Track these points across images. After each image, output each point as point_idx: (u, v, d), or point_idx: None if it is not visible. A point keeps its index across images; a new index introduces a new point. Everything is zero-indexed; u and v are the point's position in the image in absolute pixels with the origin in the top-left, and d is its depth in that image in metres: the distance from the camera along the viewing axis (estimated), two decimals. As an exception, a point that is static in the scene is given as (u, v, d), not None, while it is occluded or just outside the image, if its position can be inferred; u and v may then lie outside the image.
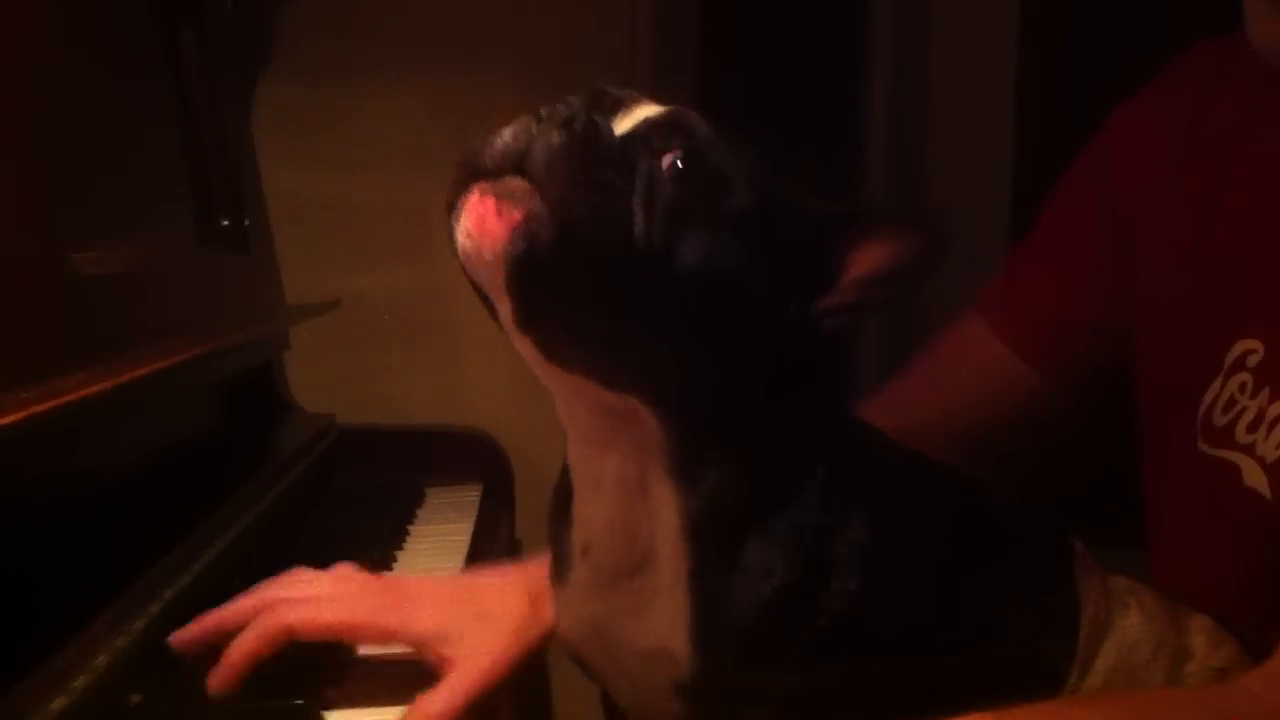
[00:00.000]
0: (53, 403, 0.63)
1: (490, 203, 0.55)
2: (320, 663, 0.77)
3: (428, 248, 1.52)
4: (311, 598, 0.75)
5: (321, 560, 0.92)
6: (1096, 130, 0.94)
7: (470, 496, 1.26)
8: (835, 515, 0.63)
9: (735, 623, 0.62)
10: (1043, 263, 0.96)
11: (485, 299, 0.59)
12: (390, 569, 1.00)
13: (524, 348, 0.59)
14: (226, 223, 1.22)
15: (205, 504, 0.95)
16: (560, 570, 0.70)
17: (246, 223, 1.24)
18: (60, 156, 0.84)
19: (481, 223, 0.55)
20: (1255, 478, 0.74)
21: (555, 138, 0.55)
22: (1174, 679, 0.71)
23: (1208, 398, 0.79)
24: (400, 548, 1.07)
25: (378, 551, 1.03)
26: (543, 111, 0.56)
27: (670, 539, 0.63)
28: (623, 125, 0.59)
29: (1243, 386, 0.76)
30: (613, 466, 0.63)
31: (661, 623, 0.64)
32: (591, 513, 0.66)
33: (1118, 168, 0.90)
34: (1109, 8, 1.62)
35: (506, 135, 0.56)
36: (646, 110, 0.60)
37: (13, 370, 0.68)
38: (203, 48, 1.21)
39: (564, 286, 0.55)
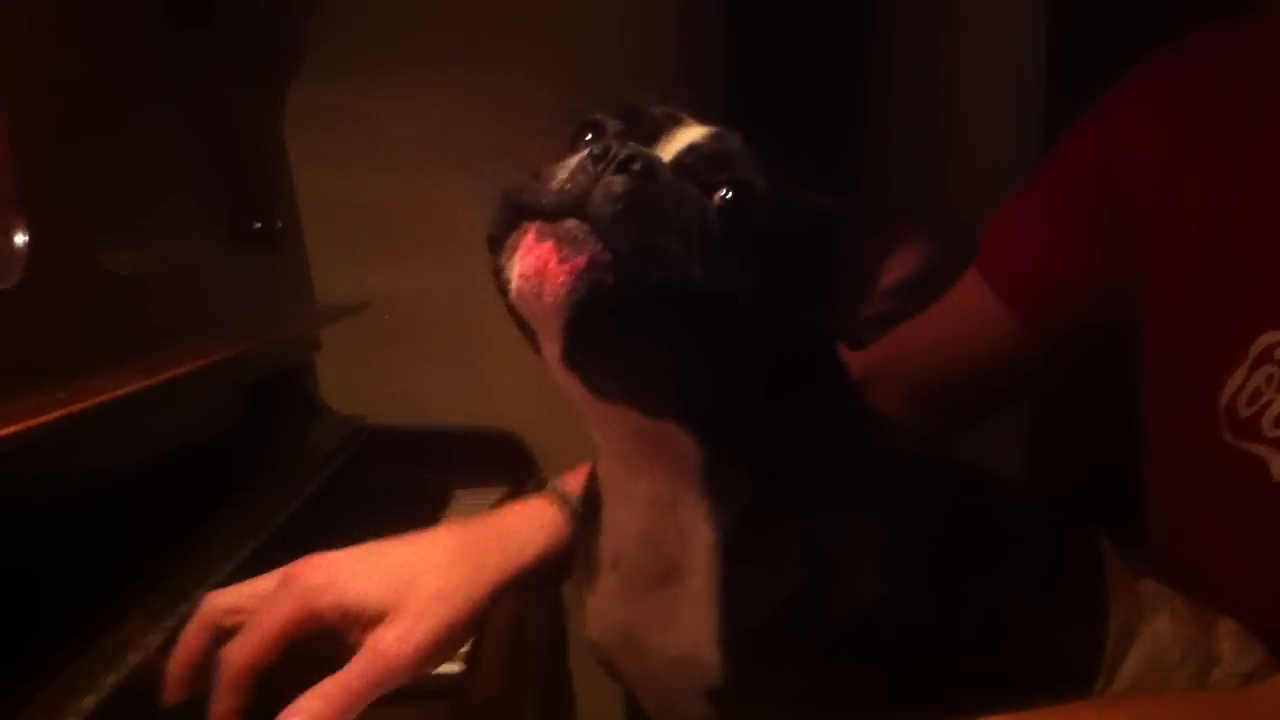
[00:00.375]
0: (89, 401, 0.64)
1: (550, 246, 0.54)
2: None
3: (456, 248, 1.51)
4: (248, 614, 0.69)
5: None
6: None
7: (496, 498, 1.26)
8: (856, 514, 0.64)
9: (762, 625, 0.63)
10: (1039, 216, 0.95)
11: (525, 328, 0.59)
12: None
13: (568, 382, 0.59)
14: (258, 224, 1.22)
15: (237, 504, 0.96)
16: (588, 576, 0.70)
17: (278, 224, 1.25)
18: (93, 158, 0.85)
19: (542, 266, 0.54)
20: None
21: (618, 184, 0.54)
22: (1201, 685, 0.71)
23: (1230, 387, 0.78)
24: (427, 548, 1.07)
25: (405, 552, 1.03)
26: (595, 149, 0.55)
27: (700, 551, 0.63)
28: (668, 150, 0.59)
29: (1269, 379, 0.75)
30: (644, 485, 0.64)
31: (690, 630, 0.64)
32: (623, 527, 0.66)
33: (1121, 145, 0.89)
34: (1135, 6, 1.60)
35: (562, 176, 0.55)
36: (688, 133, 0.60)
37: (48, 369, 0.69)
38: (233, 49, 1.22)
39: (620, 329, 0.55)
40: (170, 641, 0.73)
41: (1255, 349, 0.77)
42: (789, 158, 0.62)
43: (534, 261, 0.54)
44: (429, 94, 1.49)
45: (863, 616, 0.63)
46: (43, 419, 0.59)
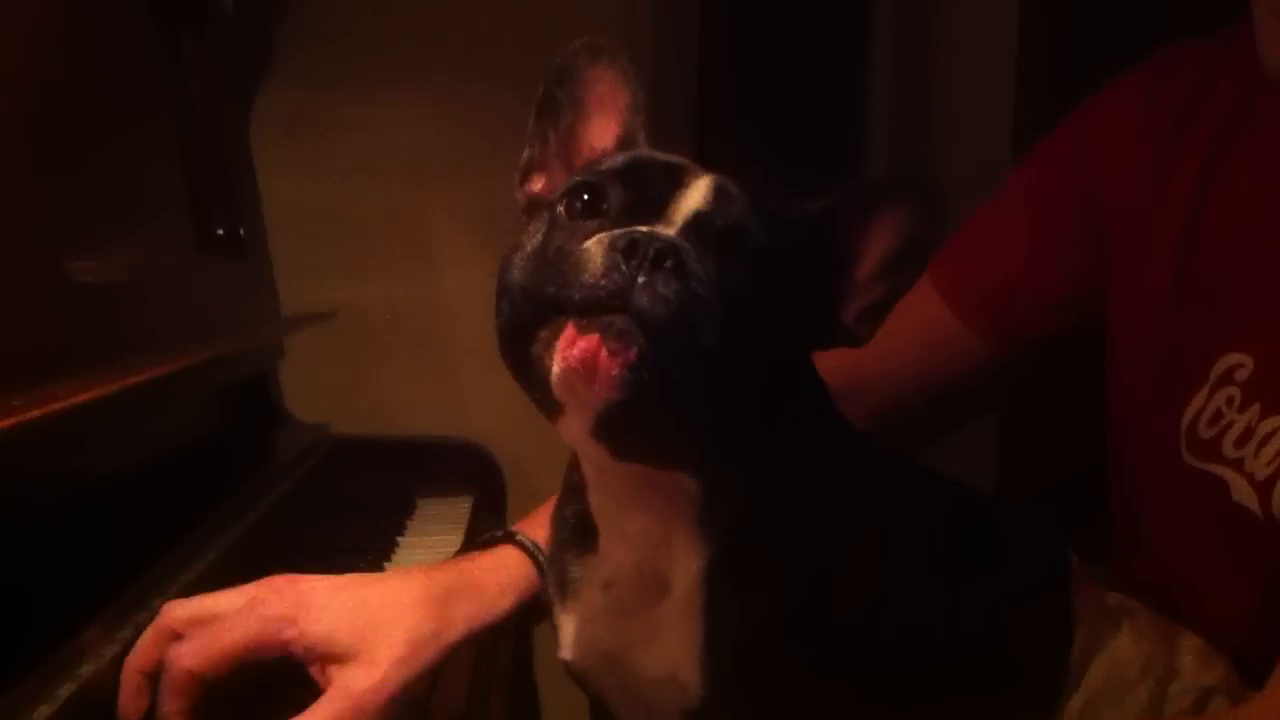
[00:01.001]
0: (48, 409, 0.63)
1: (596, 339, 0.54)
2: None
3: (424, 258, 1.52)
4: (203, 622, 0.69)
5: (311, 570, 0.92)
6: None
7: (461, 508, 1.26)
8: (839, 532, 0.64)
9: (742, 644, 0.63)
10: (999, 232, 0.95)
11: (545, 401, 0.59)
12: (380, 580, 1.00)
13: (587, 449, 0.61)
14: (223, 231, 1.22)
15: (198, 512, 0.95)
16: (565, 598, 0.70)
17: (243, 231, 1.25)
18: (58, 163, 0.84)
19: (590, 359, 0.54)
20: (1244, 493, 0.74)
21: (662, 286, 0.55)
22: (1158, 698, 0.72)
23: (1192, 408, 0.79)
24: (389, 558, 1.06)
25: (367, 562, 1.03)
26: (621, 243, 0.55)
27: (687, 574, 0.64)
28: (676, 219, 0.59)
29: (1230, 400, 0.76)
30: (639, 521, 0.65)
31: (672, 651, 0.65)
32: (617, 556, 0.67)
33: (1095, 161, 0.89)
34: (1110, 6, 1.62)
35: (596, 272, 0.55)
36: (693, 196, 0.60)
37: (9, 376, 0.68)
38: (202, 55, 1.21)
39: (654, 408, 0.56)
40: (128, 651, 0.72)
41: (1217, 370, 0.77)
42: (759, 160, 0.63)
43: (580, 354, 0.55)
44: (399, 103, 1.49)
45: (857, 631, 0.63)
46: (2, 425, 0.58)
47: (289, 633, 0.68)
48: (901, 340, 0.95)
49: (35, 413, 0.62)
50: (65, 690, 0.65)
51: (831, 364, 0.67)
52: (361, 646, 0.69)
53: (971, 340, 0.94)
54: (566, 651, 0.70)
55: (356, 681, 0.67)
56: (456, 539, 1.13)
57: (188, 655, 0.67)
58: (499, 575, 0.77)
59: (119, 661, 0.71)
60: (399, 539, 1.12)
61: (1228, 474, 0.75)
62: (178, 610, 0.70)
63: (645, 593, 0.66)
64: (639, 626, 0.66)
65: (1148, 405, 0.84)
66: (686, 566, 0.64)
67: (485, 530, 1.21)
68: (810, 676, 0.64)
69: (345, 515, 1.21)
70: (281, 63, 1.47)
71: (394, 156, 1.50)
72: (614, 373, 0.54)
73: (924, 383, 0.95)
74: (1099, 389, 0.91)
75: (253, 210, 1.32)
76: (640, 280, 0.54)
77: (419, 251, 1.53)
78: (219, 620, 0.69)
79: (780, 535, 0.64)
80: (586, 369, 0.54)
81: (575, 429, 0.58)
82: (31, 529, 0.74)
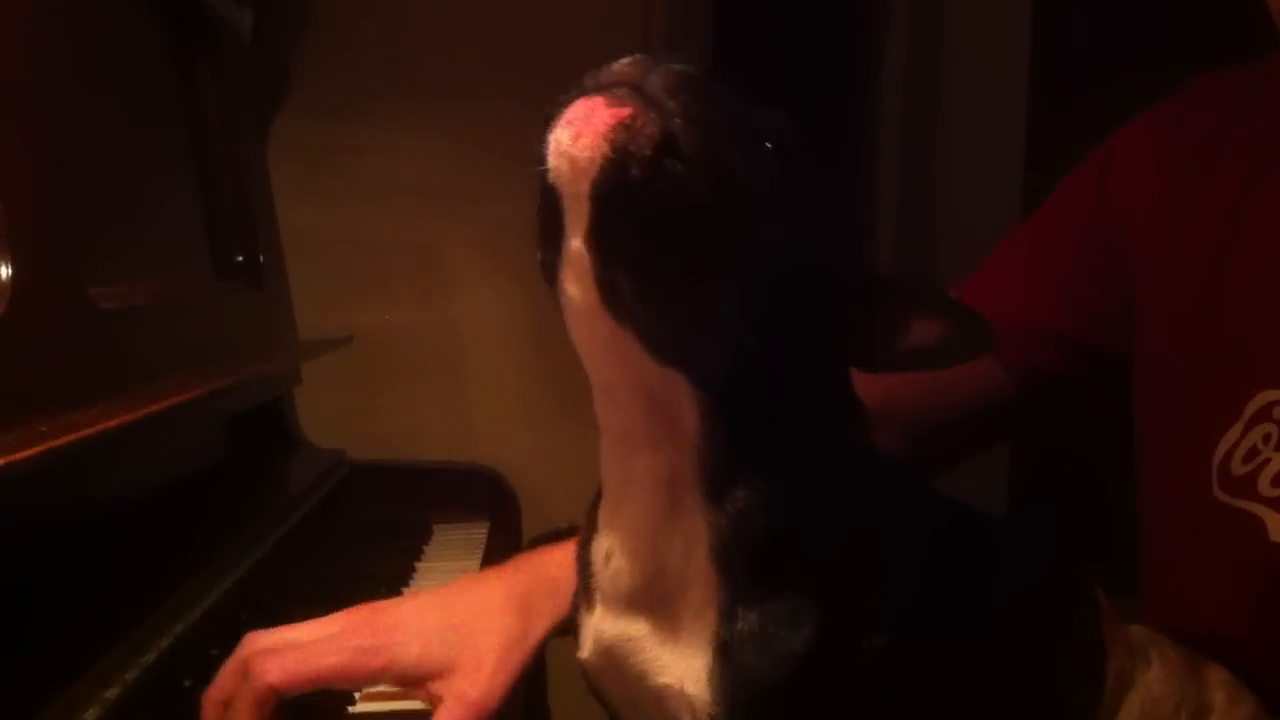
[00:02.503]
0: (69, 437, 0.64)
1: (600, 99, 0.53)
2: (315, 714, 0.76)
3: (440, 284, 1.53)
4: (292, 647, 0.71)
5: (329, 595, 0.92)
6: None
7: (477, 534, 1.26)
8: (870, 568, 0.62)
9: (758, 674, 0.60)
10: (1025, 267, 0.95)
11: (551, 222, 0.56)
12: (397, 606, 1.00)
13: (578, 290, 0.56)
14: (241, 258, 1.23)
15: (215, 538, 0.95)
16: (586, 597, 0.69)
17: (261, 258, 1.25)
18: (79, 190, 0.85)
19: (589, 113, 0.53)
20: None
21: (679, 67, 0.54)
22: None
23: (1224, 444, 0.78)
24: (407, 584, 1.06)
25: (384, 588, 1.03)
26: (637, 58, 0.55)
27: (698, 569, 0.61)
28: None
29: (1266, 438, 0.75)
30: (643, 464, 0.62)
31: (681, 660, 0.62)
32: (617, 514, 0.64)
33: (1120, 194, 0.89)
34: (1119, 15, 1.62)
35: (622, 62, 0.55)
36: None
37: (32, 403, 0.68)
38: (219, 83, 1.23)
39: (651, 206, 0.53)
40: (145, 678, 0.72)
41: (1252, 406, 0.76)
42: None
43: (580, 110, 0.53)
44: (415, 130, 1.50)
45: (883, 676, 0.61)
46: (24, 453, 0.59)
47: (378, 662, 0.71)
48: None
49: (58, 440, 0.62)
50: (89, 716, 0.65)
51: (861, 386, 0.67)
52: (458, 660, 0.71)
53: (997, 369, 0.93)
54: (583, 650, 0.69)
55: (467, 691, 0.70)
56: (474, 565, 1.13)
57: (274, 671, 0.69)
58: (571, 570, 0.76)
59: (140, 688, 0.71)
60: (417, 564, 1.12)
61: (1264, 512, 0.74)
62: (261, 640, 0.72)
63: (644, 568, 0.63)
64: (645, 624, 0.64)
65: (1175, 441, 0.83)
66: (695, 557, 0.61)
67: (501, 557, 1.21)
68: (830, 710, 0.62)
69: (362, 541, 1.21)
70: (298, 90, 1.49)
71: (410, 183, 1.50)
72: (606, 123, 0.52)
73: (949, 409, 0.95)
74: (1114, 419, 0.91)
75: (270, 236, 1.33)
76: (656, 70, 0.54)
77: (435, 277, 1.53)
78: (306, 646, 0.71)
79: (804, 567, 0.61)
80: (583, 121, 0.52)
81: (572, 251, 0.55)
82: (49, 556, 0.75)
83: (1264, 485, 0.75)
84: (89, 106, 0.91)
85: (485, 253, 1.52)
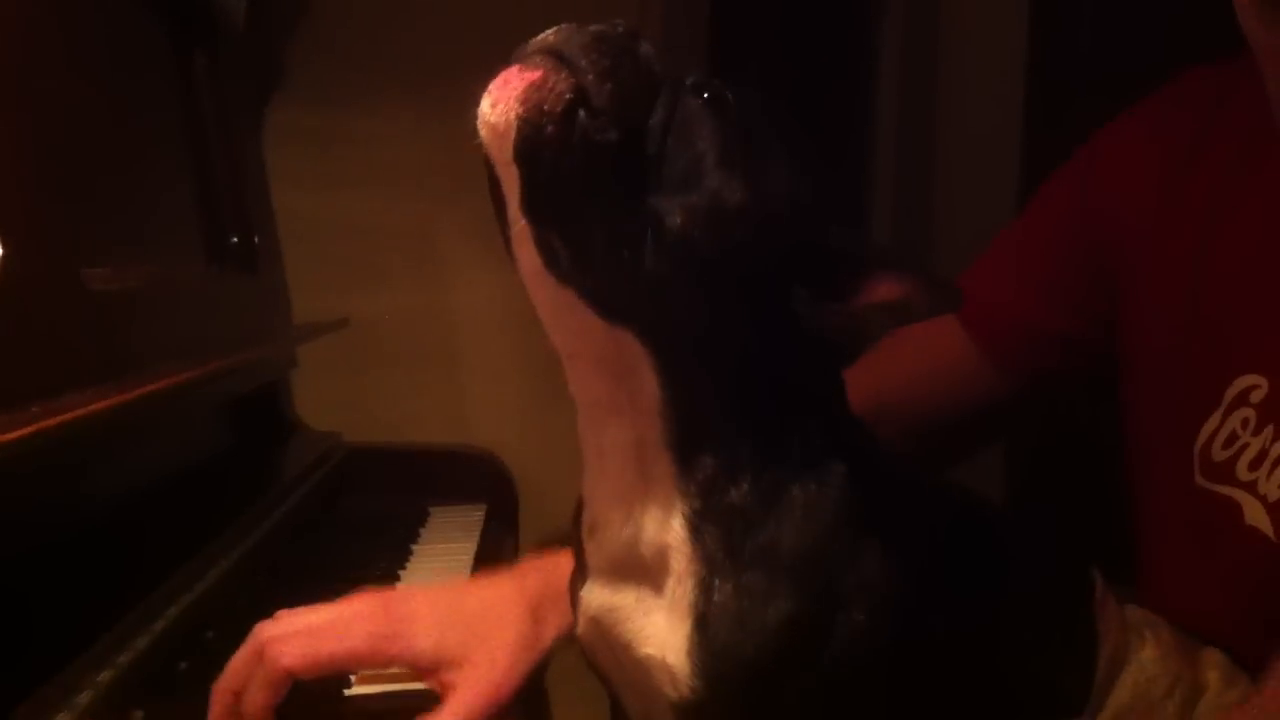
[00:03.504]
0: (61, 418, 0.64)
1: (515, 68, 0.57)
2: (312, 697, 0.76)
3: (435, 269, 1.53)
4: (306, 631, 0.72)
5: (326, 578, 0.92)
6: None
7: (474, 517, 1.26)
8: (848, 543, 0.62)
9: (735, 646, 0.61)
10: (1013, 266, 0.95)
11: (499, 211, 0.60)
12: (394, 589, 1.00)
13: (526, 256, 0.59)
14: (236, 241, 1.23)
15: (212, 521, 0.95)
16: (580, 573, 0.69)
17: (256, 241, 1.25)
18: (76, 174, 0.85)
19: (504, 81, 0.56)
20: (1257, 516, 0.73)
21: (596, 28, 0.57)
22: (1186, 716, 0.71)
23: (1205, 431, 0.78)
24: (404, 567, 1.07)
25: (381, 571, 1.03)
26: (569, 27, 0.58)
27: (676, 538, 0.62)
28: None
29: (1245, 422, 0.75)
30: (612, 432, 0.63)
31: (662, 630, 0.63)
32: (596, 487, 0.65)
33: (1105, 188, 0.89)
34: (1117, 19, 1.62)
35: (546, 33, 0.58)
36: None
37: (24, 385, 0.69)
38: (214, 69, 1.22)
39: (573, 165, 0.56)
40: (141, 660, 0.73)
41: (1231, 393, 0.77)
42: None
43: (499, 79, 0.57)
44: (410, 116, 1.50)
45: (859, 653, 0.61)
46: (15, 434, 0.59)
47: (393, 649, 0.73)
48: (925, 365, 0.97)
49: (50, 421, 0.63)
50: (84, 699, 0.66)
51: (856, 387, 0.67)
52: (470, 652, 0.73)
53: (989, 369, 0.94)
54: (578, 627, 0.70)
55: (480, 682, 0.72)
56: (470, 548, 1.14)
57: (289, 655, 0.70)
58: None
59: (136, 670, 0.71)
60: (413, 547, 1.13)
61: (1241, 496, 0.75)
62: (275, 627, 0.72)
63: (625, 541, 0.63)
64: (630, 596, 0.64)
65: (1162, 430, 0.83)
66: (672, 527, 0.62)
67: (498, 540, 1.22)
68: (812, 688, 0.62)
69: (358, 524, 1.21)
70: (293, 77, 1.48)
71: (405, 168, 1.50)
72: (518, 87, 0.56)
73: (943, 410, 0.96)
74: (1106, 409, 0.91)
75: (265, 221, 1.33)
76: (575, 34, 0.57)
77: (430, 261, 1.53)
78: (321, 630, 0.72)
79: (781, 540, 0.61)
80: (499, 89, 0.56)
81: (512, 216, 0.58)
82: (45, 539, 0.75)
83: (1242, 470, 0.75)
84: (84, 91, 0.91)
85: (481, 237, 1.50)
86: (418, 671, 0.74)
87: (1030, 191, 0.98)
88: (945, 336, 0.95)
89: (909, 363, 0.96)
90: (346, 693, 0.79)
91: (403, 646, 0.73)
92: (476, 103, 0.58)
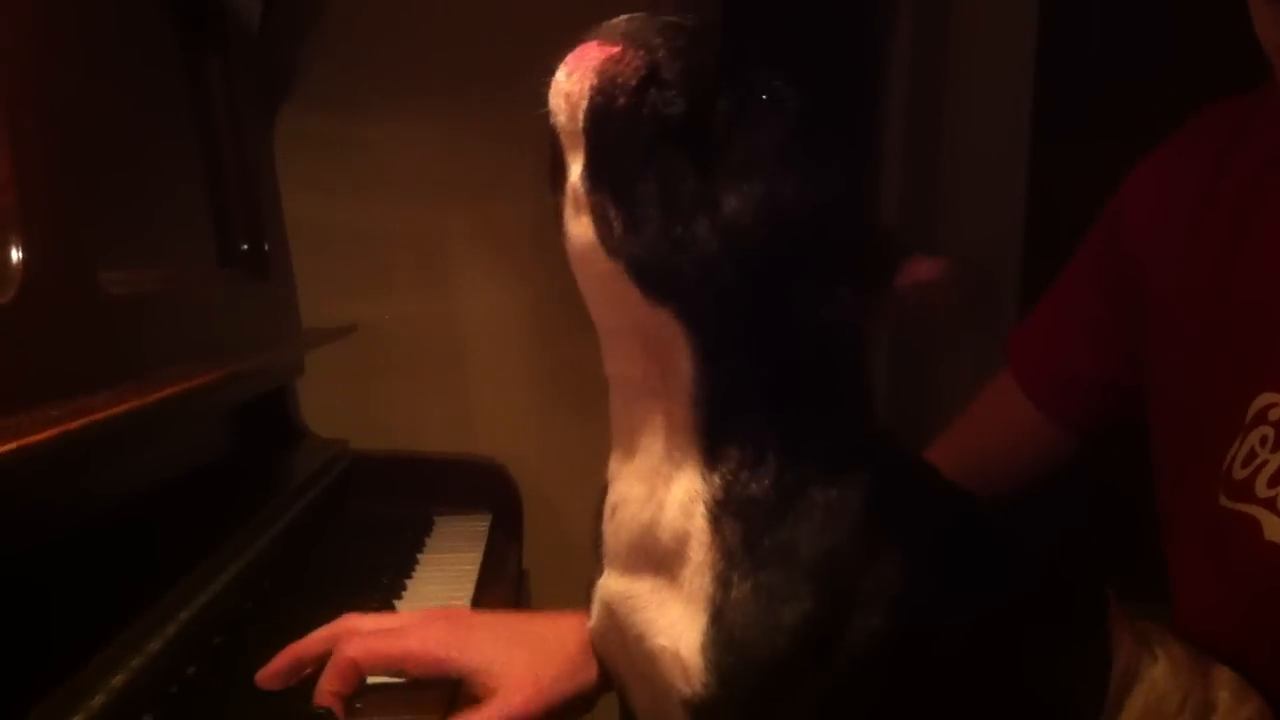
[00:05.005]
0: (82, 421, 0.64)
1: (593, 43, 0.59)
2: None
3: (444, 277, 1.53)
4: (377, 631, 0.78)
5: (332, 587, 0.92)
6: (1112, 175, 0.95)
7: (479, 526, 1.26)
8: (866, 549, 0.62)
9: (750, 645, 0.61)
10: (1058, 318, 0.99)
11: (555, 181, 0.61)
12: (399, 598, 1.00)
13: (579, 228, 0.60)
14: (246, 247, 1.23)
15: (218, 528, 0.95)
16: (597, 561, 0.70)
17: (266, 247, 1.26)
18: (92, 177, 0.85)
19: (581, 54, 0.59)
20: (1276, 532, 0.74)
21: (672, 18, 0.59)
22: None
23: (1230, 452, 0.78)
24: (409, 576, 1.07)
25: (387, 579, 1.03)
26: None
27: (697, 528, 0.62)
28: None
29: (1263, 440, 0.76)
30: (643, 412, 0.64)
31: (678, 623, 0.63)
32: (622, 465, 0.66)
33: (1132, 230, 0.92)
34: (1125, 47, 1.63)
35: (620, 18, 0.60)
36: None
37: (41, 387, 0.69)
38: (227, 74, 1.23)
39: (639, 135, 0.58)
40: (153, 664, 0.73)
41: (1251, 411, 0.77)
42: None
43: (575, 53, 0.59)
44: (420, 123, 1.50)
45: (874, 659, 0.61)
46: (38, 436, 0.59)
47: (448, 654, 0.77)
48: (990, 435, 1.01)
49: (73, 423, 0.63)
50: (96, 702, 0.66)
51: (945, 457, 0.70)
52: (518, 666, 0.76)
53: (1048, 426, 0.98)
54: (592, 619, 0.71)
55: (521, 690, 0.75)
56: (476, 558, 1.14)
57: (355, 647, 0.76)
58: None
59: (146, 675, 0.71)
60: (419, 556, 1.13)
61: (1260, 513, 0.75)
62: (354, 622, 0.79)
63: (653, 538, 0.64)
64: (645, 584, 0.64)
65: (1188, 455, 0.84)
66: (693, 518, 0.62)
67: (503, 550, 1.22)
68: (825, 691, 0.62)
69: (364, 532, 1.21)
70: (304, 81, 1.49)
71: (415, 175, 1.51)
72: (599, 58, 0.58)
73: (1011, 473, 0.98)
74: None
75: (275, 227, 1.33)
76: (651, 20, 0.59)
77: (439, 269, 1.53)
78: (390, 632, 0.78)
79: (800, 539, 0.62)
80: (576, 60, 0.58)
81: (571, 189, 0.60)
82: (54, 543, 0.75)
83: (1261, 487, 0.75)
84: (100, 97, 0.92)
85: (490, 245, 1.52)
86: (466, 677, 0.77)
87: (1038, 191, 1.01)
88: (1007, 406, 0.99)
89: (978, 438, 1.01)
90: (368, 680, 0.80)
91: (457, 654, 0.76)
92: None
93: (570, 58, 0.59)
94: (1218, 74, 0.90)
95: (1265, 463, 0.75)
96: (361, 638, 0.77)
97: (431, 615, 0.82)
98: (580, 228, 0.60)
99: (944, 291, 0.62)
